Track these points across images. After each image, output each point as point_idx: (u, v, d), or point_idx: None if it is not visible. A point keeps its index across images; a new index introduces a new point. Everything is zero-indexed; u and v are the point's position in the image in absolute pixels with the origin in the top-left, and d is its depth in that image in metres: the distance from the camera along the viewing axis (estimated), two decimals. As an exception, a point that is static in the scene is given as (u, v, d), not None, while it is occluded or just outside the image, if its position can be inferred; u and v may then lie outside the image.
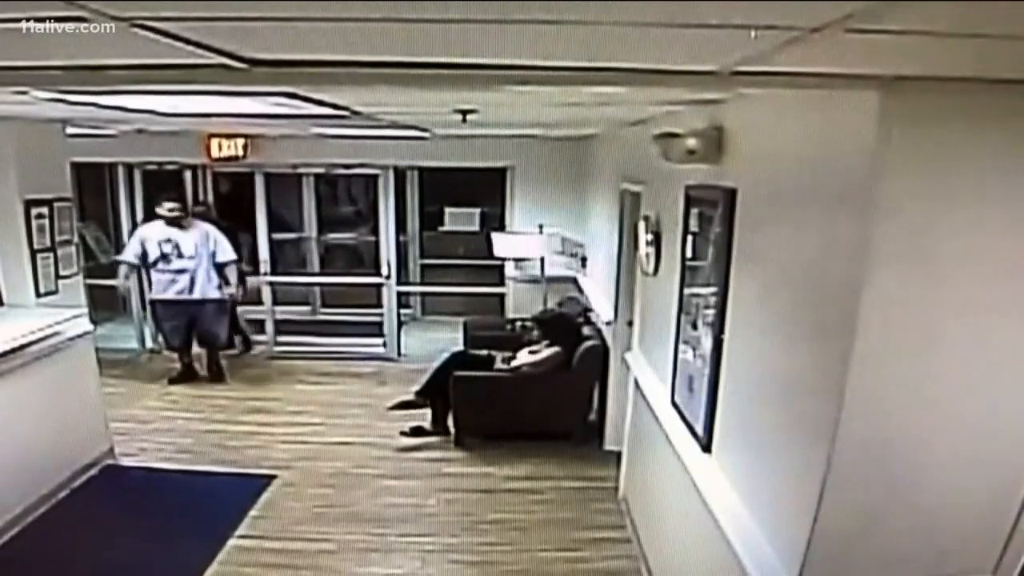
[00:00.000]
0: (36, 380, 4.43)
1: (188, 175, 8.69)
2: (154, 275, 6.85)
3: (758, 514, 2.39)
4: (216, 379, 7.09)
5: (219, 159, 7.69)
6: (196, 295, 6.78)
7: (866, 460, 1.85)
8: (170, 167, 8.24)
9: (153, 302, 7.09)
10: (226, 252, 6.90)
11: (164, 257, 6.74)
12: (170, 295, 6.80)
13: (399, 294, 8.18)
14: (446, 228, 9.91)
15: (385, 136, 6.32)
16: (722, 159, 2.83)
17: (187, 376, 7.05)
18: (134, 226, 7.97)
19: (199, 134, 7.33)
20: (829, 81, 1.66)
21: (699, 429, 2.97)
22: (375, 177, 7.98)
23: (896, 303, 1.73)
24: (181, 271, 6.76)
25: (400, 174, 8.31)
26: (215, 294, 6.87)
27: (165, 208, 6.75)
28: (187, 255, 6.76)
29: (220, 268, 6.87)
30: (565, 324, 5.98)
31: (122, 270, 6.90)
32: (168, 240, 6.75)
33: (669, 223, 3.64)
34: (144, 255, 6.78)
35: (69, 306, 4.80)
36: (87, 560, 3.96)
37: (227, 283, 6.90)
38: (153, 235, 6.80)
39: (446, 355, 6.09)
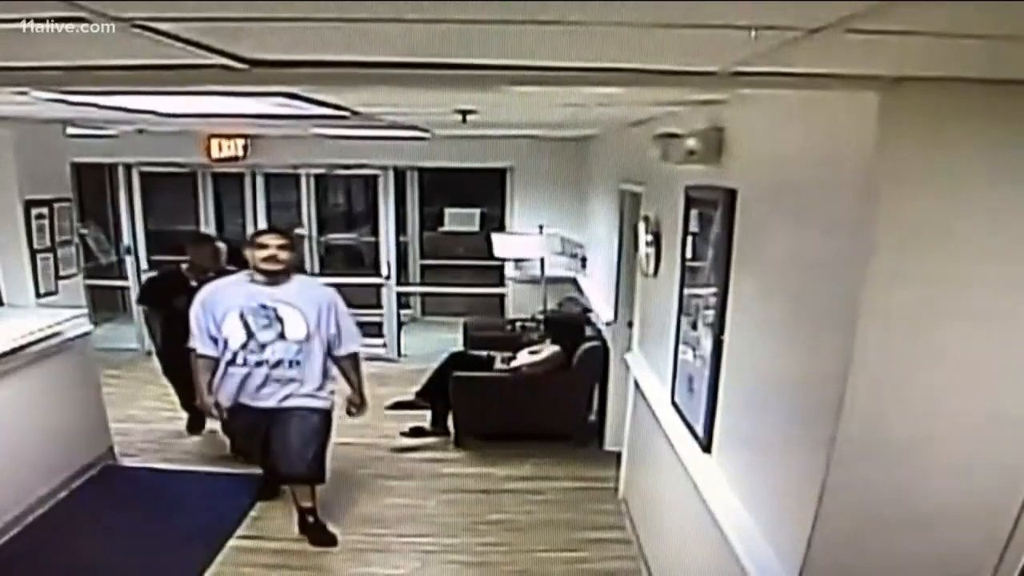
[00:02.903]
0: (36, 381, 4.43)
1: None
2: (227, 367, 3.92)
3: (758, 514, 2.39)
4: (315, 537, 4.16)
5: (219, 159, 7.69)
6: (288, 402, 3.94)
7: (866, 461, 1.85)
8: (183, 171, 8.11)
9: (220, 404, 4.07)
10: (352, 334, 4.12)
11: (250, 340, 3.83)
12: (247, 399, 3.93)
13: (399, 294, 8.21)
14: (446, 228, 9.91)
15: (385, 136, 6.32)
16: (722, 160, 2.83)
17: (272, 491, 4.62)
18: (134, 227, 7.99)
19: (199, 134, 7.33)
20: (829, 82, 1.66)
21: (699, 429, 2.97)
22: (375, 177, 7.99)
23: (896, 304, 1.73)
24: (279, 364, 3.87)
25: (400, 174, 8.31)
26: (318, 401, 4.00)
27: (260, 246, 3.84)
28: (294, 337, 3.87)
29: (334, 356, 4.09)
30: (575, 325, 5.99)
31: (201, 362, 3.94)
32: (263, 310, 3.83)
33: (669, 224, 3.64)
34: (221, 340, 3.86)
35: (69, 306, 4.79)
36: (87, 561, 3.95)
37: (351, 385, 4.20)
38: (234, 302, 3.84)
39: (446, 356, 6.08)
